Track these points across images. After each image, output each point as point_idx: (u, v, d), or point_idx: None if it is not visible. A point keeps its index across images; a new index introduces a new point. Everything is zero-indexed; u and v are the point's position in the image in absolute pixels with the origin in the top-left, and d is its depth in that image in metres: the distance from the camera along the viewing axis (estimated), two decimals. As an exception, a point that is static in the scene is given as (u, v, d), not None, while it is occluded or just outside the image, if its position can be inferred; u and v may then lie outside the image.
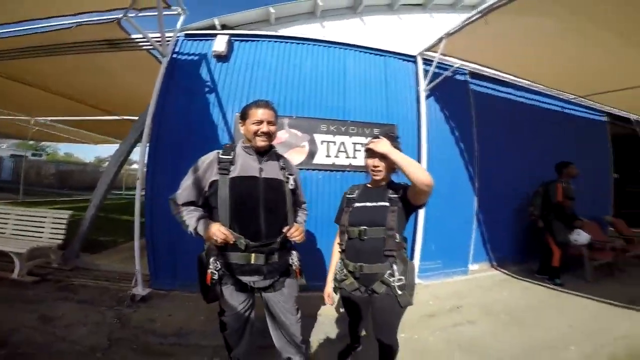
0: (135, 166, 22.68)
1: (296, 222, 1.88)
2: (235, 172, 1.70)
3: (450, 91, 4.52)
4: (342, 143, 3.85)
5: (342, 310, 2.56)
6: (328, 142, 3.81)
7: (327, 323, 2.93)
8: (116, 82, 5.24)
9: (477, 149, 4.66)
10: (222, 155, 1.74)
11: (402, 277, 1.66)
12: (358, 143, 3.88)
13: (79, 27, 3.41)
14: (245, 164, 1.74)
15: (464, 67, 4.51)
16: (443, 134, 4.47)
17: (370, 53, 4.22)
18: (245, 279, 1.71)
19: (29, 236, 3.84)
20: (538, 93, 5.54)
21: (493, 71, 4.78)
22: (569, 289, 3.95)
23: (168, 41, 3.45)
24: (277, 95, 3.73)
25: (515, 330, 2.92)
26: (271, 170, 1.79)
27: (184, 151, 3.45)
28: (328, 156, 3.81)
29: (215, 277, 1.65)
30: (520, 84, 5.25)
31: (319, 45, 4.00)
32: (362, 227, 1.71)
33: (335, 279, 1.88)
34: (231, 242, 1.60)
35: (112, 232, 5.85)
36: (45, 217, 3.92)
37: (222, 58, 3.72)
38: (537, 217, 4.50)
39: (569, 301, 3.66)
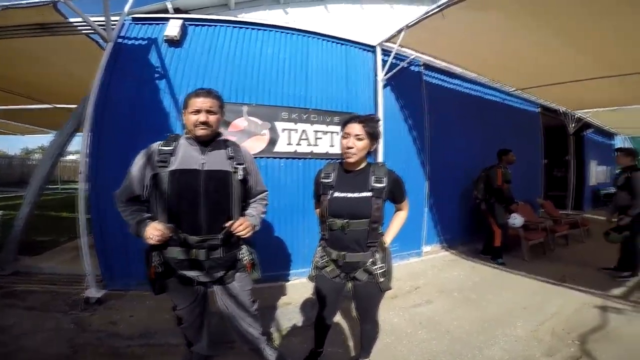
0: (70, 157, 20.64)
1: (245, 215, 1.78)
2: (174, 164, 1.62)
3: (405, 81, 4.69)
4: (304, 131, 3.84)
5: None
6: (290, 130, 3.77)
7: (290, 312, 2.91)
8: (47, 69, 4.69)
9: (428, 136, 4.92)
10: (162, 147, 1.65)
11: (383, 265, 1.71)
12: (319, 131, 3.90)
13: (4, 11, 2.98)
14: (186, 156, 1.65)
15: (418, 59, 4.70)
16: (398, 122, 4.65)
17: (333, 42, 4.19)
18: (187, 273, 1.67)
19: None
20: (483, 85, 5.95)
21: (444, 63, 5.03)
22: (510, 268, 4.30)
23: (113, 25, 3.14)
24: (235, 82, 3.59)
25: (468, 307, 3.15)
26: (215, 161, 1.69)
27: (131, 141, 3.15)
28: (289, 144, 3.77)
29: (159, 270, 1.62)
30: (467, 76, 5.59)
31: (282, 32, 3.88)
32: (345, 221, 1.65)
33: (315, 267, 1.84)
34: (168, 237, 1.55)
35: (50, 231, 5.30)
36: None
37: (175, 43, 3.47)
38: (481, 201, 4.81)
39: (510, 279, 3.98)
